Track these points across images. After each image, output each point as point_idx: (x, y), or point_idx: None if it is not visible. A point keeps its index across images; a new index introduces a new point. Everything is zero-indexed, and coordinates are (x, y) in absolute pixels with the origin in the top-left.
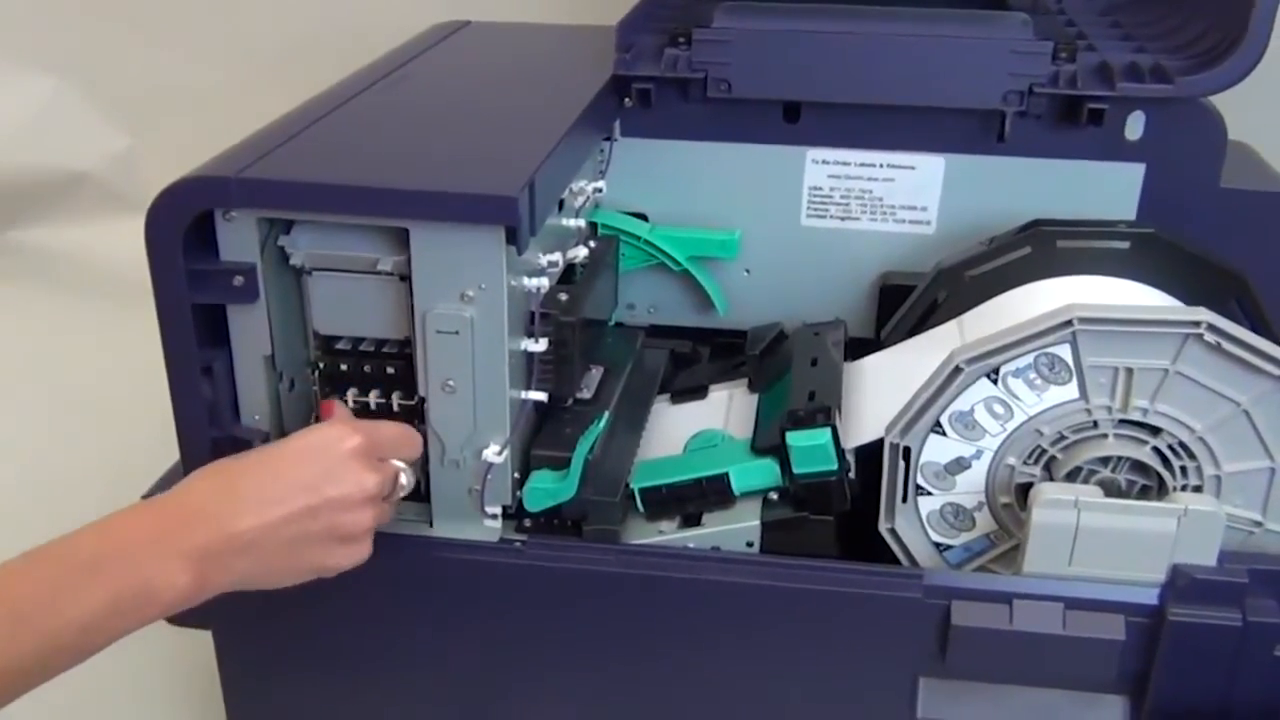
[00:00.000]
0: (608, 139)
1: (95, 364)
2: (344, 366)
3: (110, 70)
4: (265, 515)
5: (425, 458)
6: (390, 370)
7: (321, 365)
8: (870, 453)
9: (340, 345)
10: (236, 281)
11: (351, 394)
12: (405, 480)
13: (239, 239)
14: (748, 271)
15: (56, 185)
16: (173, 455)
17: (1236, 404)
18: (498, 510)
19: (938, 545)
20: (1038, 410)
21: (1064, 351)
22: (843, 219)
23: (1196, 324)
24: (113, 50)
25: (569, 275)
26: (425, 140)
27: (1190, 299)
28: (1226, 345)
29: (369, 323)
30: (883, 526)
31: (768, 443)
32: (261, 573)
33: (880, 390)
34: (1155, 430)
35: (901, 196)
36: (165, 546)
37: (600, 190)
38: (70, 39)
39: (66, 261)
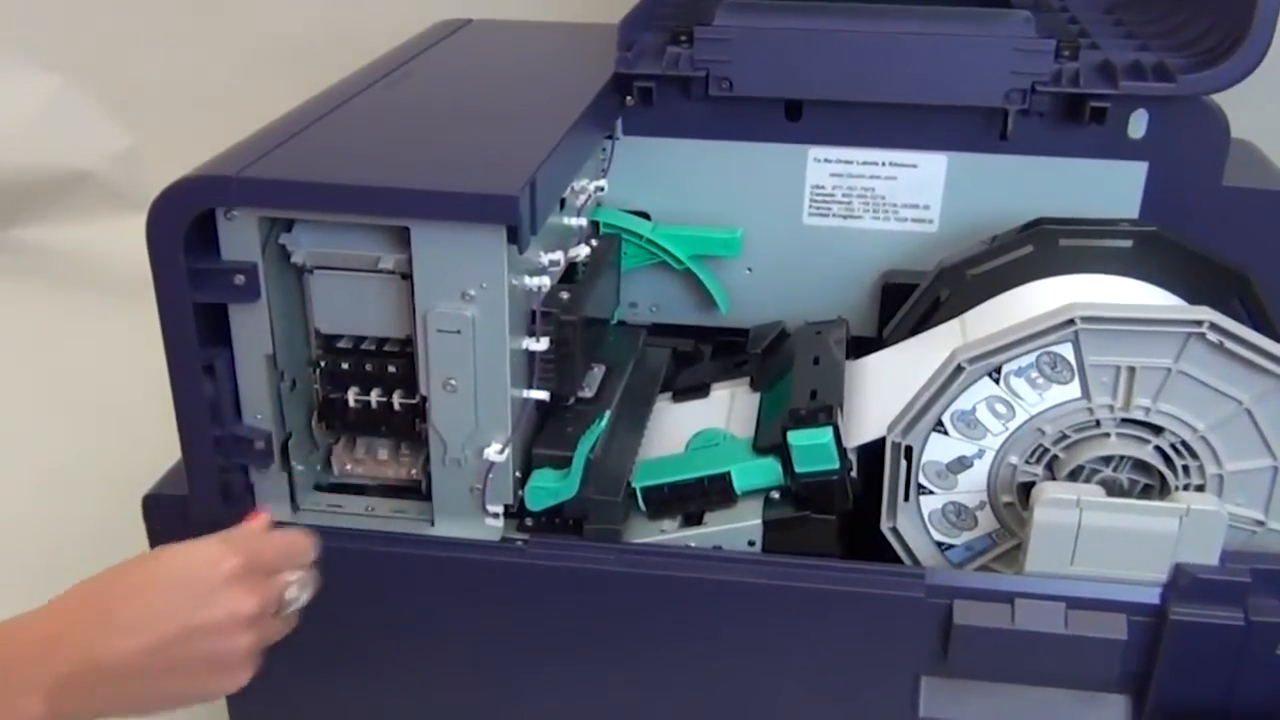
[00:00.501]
0: (609, 137)
1: (97, 362)
2: (345, 365)
3: (113, 69)
4: (132, 643)
5: (427, 457)
6: (391, 369)
7: (323, 364)
8: (872, 452)
9: (342, 344)
10: (238, 280)
11: (353, 393)
12: (294, 593)
13: (240, 238)
14: (750, 270)
15: (59, 184)
16: (174, 454)
17: (1239, 403)
18: (499, 509)
19: (940, 544)
20: (1040, 409)
21: (1066, 350)
22: (845, 217)
23: (1199, 323)
24: (116, 49)
25: (571, 274)
26: (426, 139)
27: (1193, 298)
28: (1229, 344)
29: (370, 321)
30: (885, 525)
31: (770, 442)
32: (127, 702)
33: (882, 389)
34: (1157, 429)
35: (904, 195)
36: (21, 677)
37: (602, 189)
38: (74, 38)
39: (68, 260)
